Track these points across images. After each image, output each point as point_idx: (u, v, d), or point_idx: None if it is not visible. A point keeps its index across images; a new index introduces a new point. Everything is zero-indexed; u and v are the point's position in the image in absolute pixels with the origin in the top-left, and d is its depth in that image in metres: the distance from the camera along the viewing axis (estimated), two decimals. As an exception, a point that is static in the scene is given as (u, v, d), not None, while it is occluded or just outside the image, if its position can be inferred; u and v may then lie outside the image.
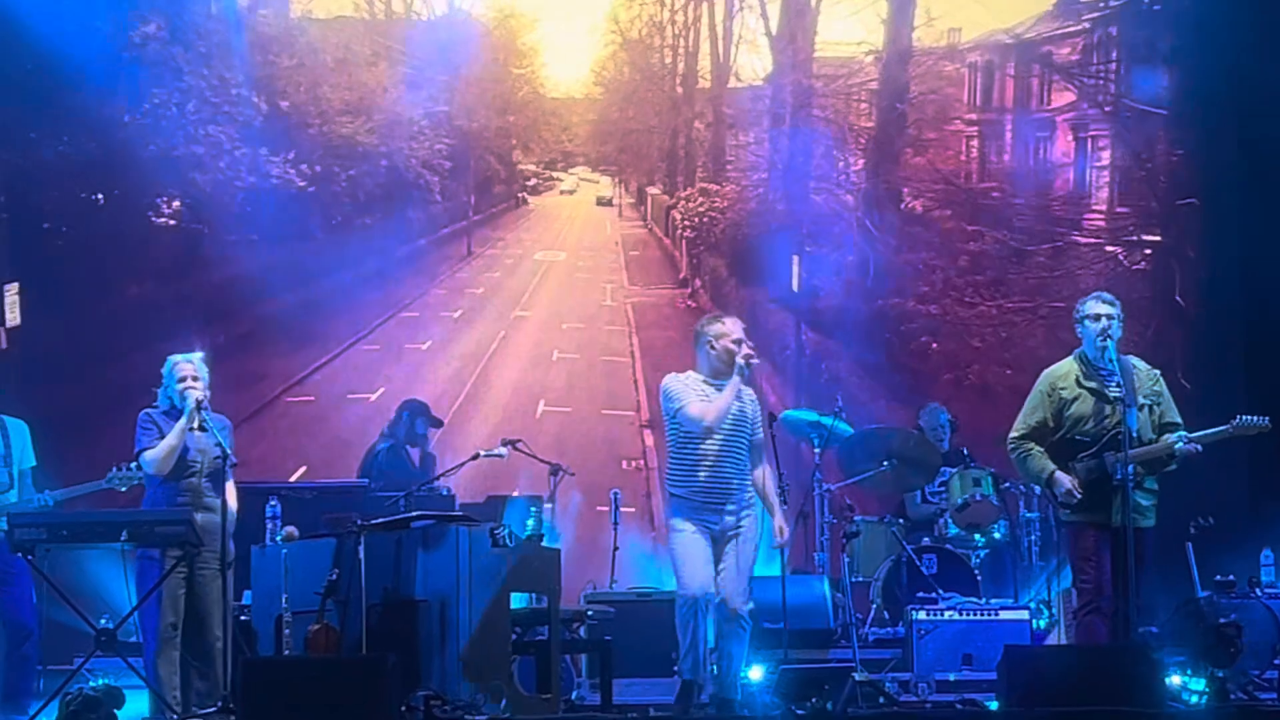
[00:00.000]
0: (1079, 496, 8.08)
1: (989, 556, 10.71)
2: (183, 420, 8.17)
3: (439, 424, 11.41)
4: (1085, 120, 14.17)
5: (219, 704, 7.81)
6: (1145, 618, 8.47)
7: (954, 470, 10.66)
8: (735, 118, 14.68)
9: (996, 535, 10.61)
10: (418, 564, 7.85)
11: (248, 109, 13.52)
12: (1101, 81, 14.06)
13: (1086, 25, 14.14)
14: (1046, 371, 8.38)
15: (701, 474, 7.97)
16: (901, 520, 10.81)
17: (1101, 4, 14.02)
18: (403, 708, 7.15)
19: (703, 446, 7.96)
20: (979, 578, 10.43)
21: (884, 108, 14.29)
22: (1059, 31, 14.20)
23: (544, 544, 8.50)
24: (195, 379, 8.28)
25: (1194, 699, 8.00)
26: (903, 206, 14.12)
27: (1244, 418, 8.10)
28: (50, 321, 12.45)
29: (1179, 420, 8.23)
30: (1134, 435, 8.01)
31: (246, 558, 8.41)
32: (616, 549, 10.65)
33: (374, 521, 7.97)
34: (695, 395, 8.00)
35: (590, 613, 9.07)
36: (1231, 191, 12.79)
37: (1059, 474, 8.14)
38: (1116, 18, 13.98)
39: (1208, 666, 8.51)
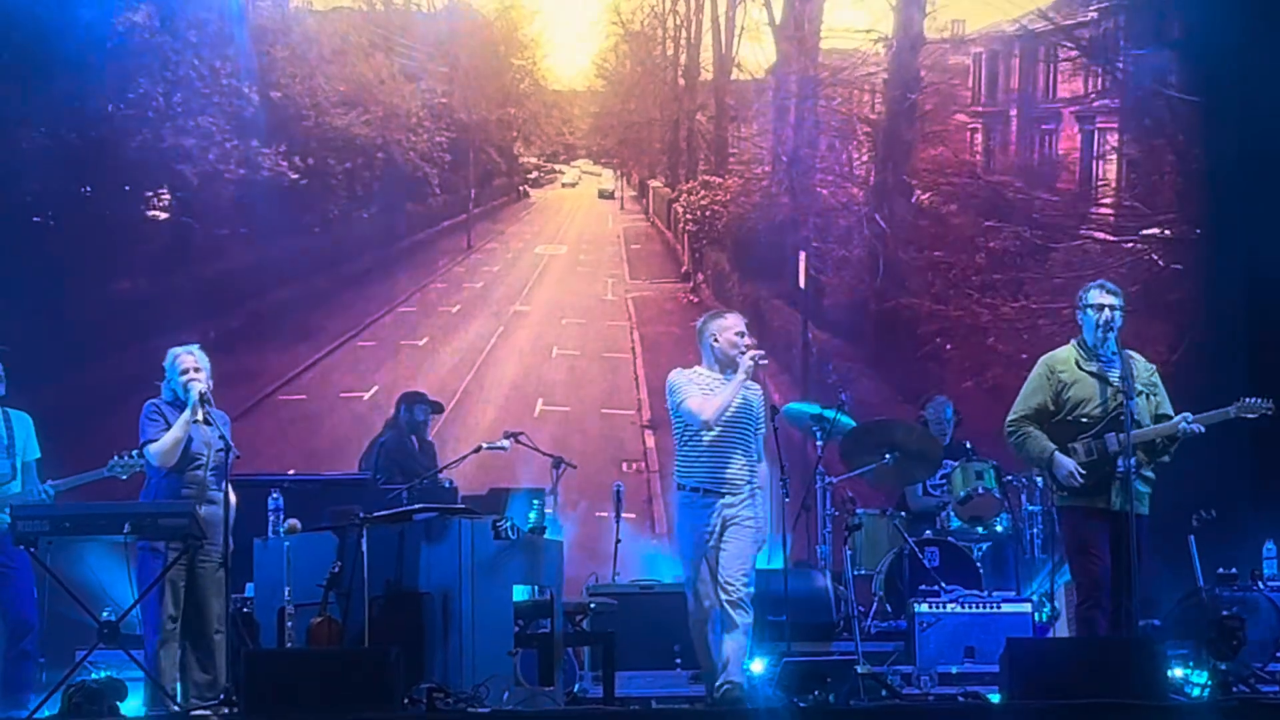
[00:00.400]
0: (1081, 480, 8.22)
1: (991, 549, 10.81)
2: (187, 412, 8.30)
3: (439, 408, 11.51)
4: (1091, 112, 14.18)
5: (220, 696, 7.97)
6: (1147, 610, 8.63)
7: (956, 463, 10.74)
8: (738, 110, 14.73)
9: (999, 528, 10.69)
10: (420, 557, 7.99)
11: (238, 100, 13.55)
12: (1108, 69, 14.04)
13: (1094, 15, 14.17)
14: (1045, 356, 8.56)
15: (706, 465, 8.25)
16: (903, 513, 10.89)
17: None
18: (405, 700, 7.31)
19: (707, 438, 8.24)
20: (981, 570, 10.54)
21: (894, 97, 14.28)
22: (1067, 21, 14.21)
23: (546, 536, 8.71)
24: (198, 370, 8.41)
25: (1196, 691, 8.10)
26: (913, 200, 14.12)
27: (1247, 400, 8.29)
28: (35, 315, 12.34)
29: (1173, 414, 8.40)
30: (1135, 421, 8.18)
31: (247, 551, 8.51)
32: (619, 541, 10.84)
33: (376, 514, 8.11)
34: (698, 389, 8.28)
35: (593, 605, 9.24)
36: (1238, 179, 12.88)
37: (1060, 456, 8.27)
38: (1124, 5, 14.01)
39: (1210, 659, 8.65)
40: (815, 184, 14.23)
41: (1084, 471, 8.24)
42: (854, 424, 10.77)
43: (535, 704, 7.97)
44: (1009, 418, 8.53)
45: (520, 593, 8.37)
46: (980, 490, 10.57)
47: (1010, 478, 10.63)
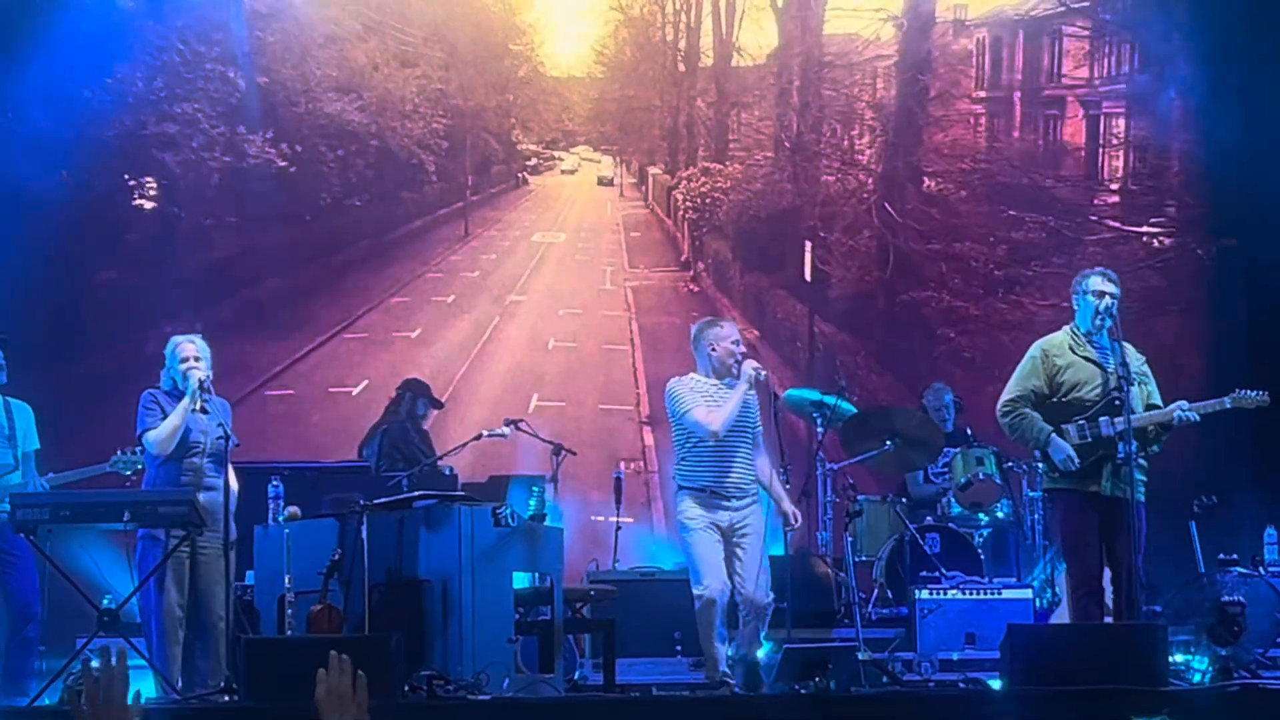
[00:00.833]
0: (1077, 464, 8.46)
1: (992, 536, 10.93)
2: (185, 400, 8.52)
3: (439, 405, 11.65)
4: (1098, 97, 14.18)
5: (221, 684, 8.18)
6: (1148, 596, 8.82)
7: (957, 449, 10.86)
8: (739, 95, 14.76)
9: (1000, 514, 10.80)
10: (420, 544, 8.14)
11: (224, 85, 13.55)
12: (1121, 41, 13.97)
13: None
14: (1039, 341, 8.83)
15: (709, 471, 8.66)
16: (904, 499, 11.04)
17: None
18: (406, 687, 7.47)
19: (709, 445, 8.64)
20: (982, 557, 10.66)
21: (904, 80, 14.21)
22: (1070, 4, 14.23)
23: (546, 524, 8.86)
24: (198, 359, 8.64)
25: (1197, 678, 8.26)
26: (924, 188, 14.08)
27: (1242, 391, 8.56)
28: (18, 305, 12.06)
29: (1163, 404, 8.64)
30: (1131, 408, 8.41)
31: (249, 538, 8.69)
32: (619, 529, 11.01)
33: (377, 501, 8.27)
34: (701, 398, 8.68)
35: (593, 592, 9.44)
36: (1239, 167, 12.89)
37: (1058, 439, 8.51)
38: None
39: (1211, 645, 8.91)
40: (820, 170, 14.23)
41: (1075, 445, 8.46)
42: (854, 410, 10.91)
43: (535, 691, 8.12)
44: (1002, 399, 8.76)
45: (520, 580, 8.53)
46: (981, 476, 10.64)
47: (1011, 464, 10.73)
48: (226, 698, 8.03)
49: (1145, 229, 13.76)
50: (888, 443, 10.48)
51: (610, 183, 15.41)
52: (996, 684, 8.11)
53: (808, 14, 14.46)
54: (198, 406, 8.55)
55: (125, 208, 13.48)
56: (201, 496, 8.51)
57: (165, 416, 8.60)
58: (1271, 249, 12.35)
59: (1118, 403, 8.44)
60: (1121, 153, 14.16)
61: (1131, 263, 13.17)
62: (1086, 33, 14.26)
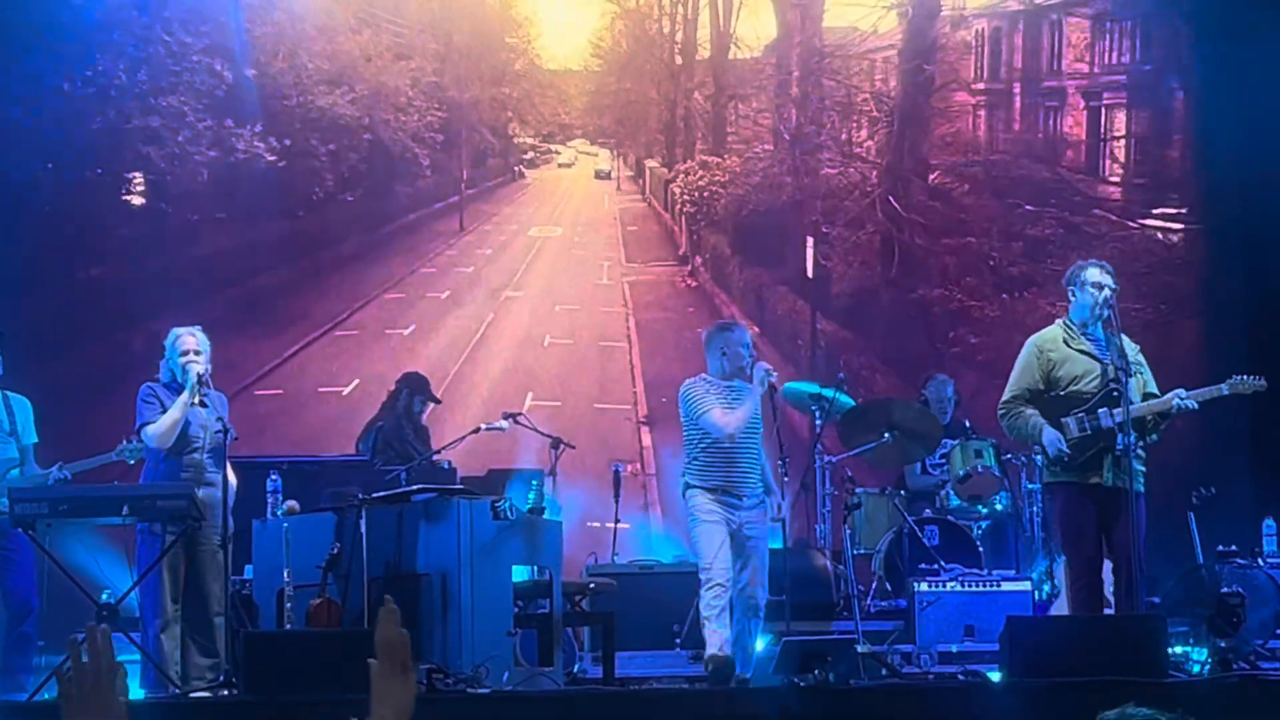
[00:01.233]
0: (1068, 451, 8.66)
1: (991, 528, 11.07)
2: (185, 394, 8.72)
3: (437, 400, 11.74)
4: (1099, 88, 14.14)
5: (220, 678, 8.42)
6: (1147, 587, 8.99)
7: (955, 442, 10.98)
8: (736, 87, 14.80)
9: (998, 506, 10.93)
10: (419, 537, 8.33)
11: (210, 78, 13.52)
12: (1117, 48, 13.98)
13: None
14: (1032, 338, 9.04)
15: (721, 471, 9.07)
16: (903, 492, 11.20)
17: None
18: None
19: (722, 446, 9.05)
20: (981, 549, 10.80)
21: (909, 69, 14.17)
22: None
23: (545, 517, 9.08)
24: (198, 353, 8.83)
25: (1196, 669, 8.42)
26: (930, 181, 14.05)
27: (1239, 377, 8.76)
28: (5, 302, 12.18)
29: (1159, 392, 8.85)
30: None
31: (247, 532, 8.87)
32: (618, 522, 11.19)
33: (375, 495, 8.47)
34: (715, 400, 9.08)
35: (593, 585, 9.62)
36: (1239, 161, 13.09)
37: (1048, 427, 8.71)
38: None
39: (1210, 636, 9.12)
40: (821, 164, 14.21)
41: (1074, 438, 8.66)
42: (853, 403, 11.11)
43: (535, 684, 8.31)
44: (1002, 400, 8.97)
45: (519, 573, 8.73)
46: (980, 469, 10.75)
47: (1010, 456, 10.84)
48: (226, 691, 8.22)
49: (1153, 222, 13.78)
50: (886, 435, 10.63)
51: (607, 176, 15.47)
52: (995, 676, 8.28)
53: (808, 3, 14.50)
54: (196, 400, 8.72)
55: (113, 203, 13.48)
56: (201, 493, 8.71)
57: (164, 410, 8.77)
58: (1272, 237, 12.52)
59: (1116, 394, 8.64)
60: (1123, 144, 14.21)
61: (1149, 262, 13.25)
62: (1088, 20, 14.26)
